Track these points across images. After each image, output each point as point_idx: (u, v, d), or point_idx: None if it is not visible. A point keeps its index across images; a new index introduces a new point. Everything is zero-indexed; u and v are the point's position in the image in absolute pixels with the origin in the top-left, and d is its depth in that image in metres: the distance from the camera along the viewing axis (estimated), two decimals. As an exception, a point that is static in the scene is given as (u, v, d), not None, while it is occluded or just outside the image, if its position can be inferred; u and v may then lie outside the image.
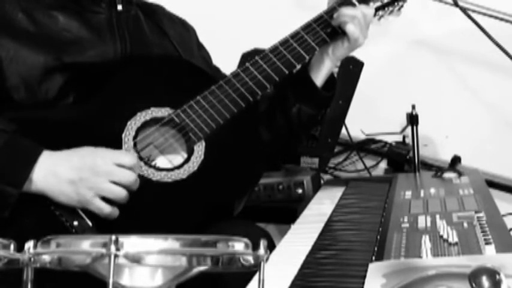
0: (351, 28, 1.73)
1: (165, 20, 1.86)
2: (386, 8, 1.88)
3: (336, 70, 2.31)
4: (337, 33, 1.77)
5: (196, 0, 2.65)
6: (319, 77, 1.79)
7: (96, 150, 1.52)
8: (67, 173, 1.48)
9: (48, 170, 1.48)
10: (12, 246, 0.95)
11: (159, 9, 1.88)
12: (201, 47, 1.93)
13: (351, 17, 1.73)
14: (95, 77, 1.65)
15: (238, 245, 0.95)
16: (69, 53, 1.64)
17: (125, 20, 1.74)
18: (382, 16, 1.89)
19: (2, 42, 1.60)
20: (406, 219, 1.41)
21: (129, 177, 1.51)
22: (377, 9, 1.84)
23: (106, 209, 1.50)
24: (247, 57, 1.78)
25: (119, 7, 1.73)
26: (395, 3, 1.89)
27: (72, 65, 1.63)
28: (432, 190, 1.67)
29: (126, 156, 1.53)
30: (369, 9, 1.77)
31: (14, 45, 1.61)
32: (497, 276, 0.93)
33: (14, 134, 1.50)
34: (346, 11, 1.75)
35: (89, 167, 1.49)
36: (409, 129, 2.42)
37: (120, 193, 1.50)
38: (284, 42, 1.75)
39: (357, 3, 1.78)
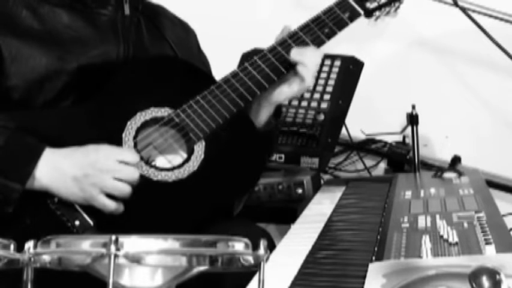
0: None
1: (164, 22, 1.85)
2: (382, 9, 1.88)
3: (335, 70, 2.32)
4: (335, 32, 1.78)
5: (196, 0, 2.65)
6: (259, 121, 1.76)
7: (99, 147, 1.53)
8: (71, 169, 1.49)
9: (51, 166, 1.48)
10: (12, 246, 0.95)
11: (160, 10, 1.87)
12: (200, 51, 1.93)
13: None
14: (95, 78, 1.65)
15: (238, 245, 0.95)
16: (72, 52, 1.64)
17: (128, 25, 1.73)
18: (378, 17, 1.90)
19: (5, 41, 1.60)
20: (406, 219, 1.41)
21: (133, 174, 1.52)
22: (373, 10, 1.85)
23: (111, 205, 1.50)
24: (247, 57, 1.78)
25: (127, 11, 1.72)
26: (392, 4, 1.90)
27: (74, 67, 1.63)
28: (432, 190, 1.67)
29: (129, 153, 1.54)
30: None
31: (17, 44, 1.60)
32: (497, 276, 0.93)
33: (15, 131, 1.50)
34: None
35: (93, 164, 1.49)
36: (409, 129, 2.42)
37: (125, 189, 1.51)
38: (282, 42, 1.75)
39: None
